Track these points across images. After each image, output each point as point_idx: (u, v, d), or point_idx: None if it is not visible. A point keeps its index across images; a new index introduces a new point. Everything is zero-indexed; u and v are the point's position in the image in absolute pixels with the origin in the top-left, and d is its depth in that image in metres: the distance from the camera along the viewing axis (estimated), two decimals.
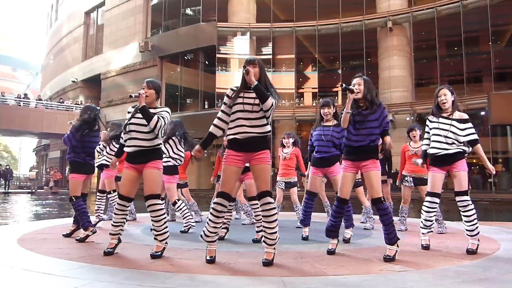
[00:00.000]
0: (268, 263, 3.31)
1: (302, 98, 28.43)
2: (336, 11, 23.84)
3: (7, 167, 27.22)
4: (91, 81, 30.81)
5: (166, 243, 3.74)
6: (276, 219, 3.38)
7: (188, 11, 28.20)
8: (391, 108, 21.46)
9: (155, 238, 3.72)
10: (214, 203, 3.41)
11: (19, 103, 25.51)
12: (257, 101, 3.32)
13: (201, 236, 3.45)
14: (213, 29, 24.28)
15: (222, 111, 3.49)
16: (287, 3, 25.03)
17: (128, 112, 3.87)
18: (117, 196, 4.20)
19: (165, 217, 3.77)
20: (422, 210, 4.26)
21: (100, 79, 28.98)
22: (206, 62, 26.93)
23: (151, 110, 3.74)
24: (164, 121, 3.72)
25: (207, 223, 3.42)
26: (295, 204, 6.27)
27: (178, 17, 26.86)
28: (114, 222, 3.83)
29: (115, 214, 3.83)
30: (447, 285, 2.79)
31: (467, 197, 4.01)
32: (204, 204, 10.72)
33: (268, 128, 3.41)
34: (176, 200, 5.54)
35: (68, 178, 5.33)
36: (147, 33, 27.24)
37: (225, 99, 3.49)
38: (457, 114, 4.07)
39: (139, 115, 3.74)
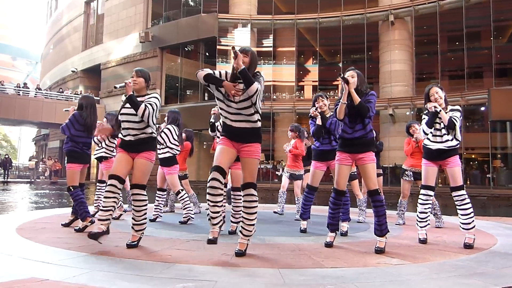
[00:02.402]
0: (241, 254, 3.32)
1: (302, 91, 28.39)
2: (338, 4, 23.72)
3: (6, 156, 27.20)
4: (91, 71, 30.72)
5: (143, 233, 3.74)
6: (256, 212, 3.38)
7: (189, 1, 28.06)
8: (391, 102, 21.47)
9: (132, 227, 3.69)
10: (209, 180, 3.29)
11: (19, 92, 25.42)
12: (244, 91, 3.29)
13: (209, 219, 3.36)
14: (214, 20, 24.16)
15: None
16: None
17: (122, 101, 3.85)
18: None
19: (146, 209, 3.74)
20: (417, 203, 4.31)
21: (100, 69, 28.91)
22: (207, 54, 26.84)
23: (141, 98, 3.75)
24: (152, 107, 3.68)
25: (208, 203, 3.34)
26: (297, 197, 6.29)
27: (179, 7, 26.72)
28: (103, 206, 3.62)
29: (104, 197, 3.62)
30: (443, 279, 2.81)
31: (463, 191, 4.05)
32: (203, 195, 10.73)
33: (257, 117, 3.37)
34: (180, 190, 5.56)
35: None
36: (148, 24, 27.11)
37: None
38: (449, 108, 4.15)
39: (129, 105, 3.73)
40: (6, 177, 25.45)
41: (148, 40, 25.32)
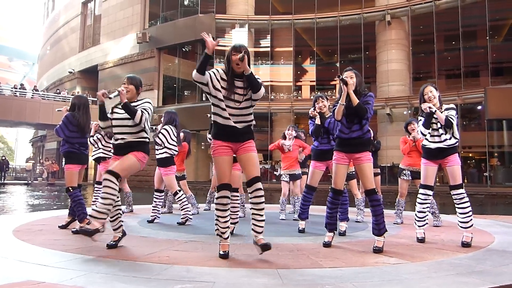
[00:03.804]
0: (267, 247, 3.19)
1: (300, 91, 28.42)
2: (335, 4, 23.76)
3: (3, 158, 27.10)
4: (88, 72, 30.62)
5: (123, 232, 3.72)
6: (264, 207, 3.34)
7: (186, 2, 28.02)
8: (388, 101, 21.51)
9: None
10: (218, 198, 3.33)
11: (15, 93, 25.33)
12: (245, 91, 3.29)
13: (217, 234, 3.39)
14: (211, 20, 24.14)
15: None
16: None
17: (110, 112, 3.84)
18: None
19: (112, 200, 3.52)
20: (416, 202, 4.32)
21: (97, 70, 28.82)
22: None
23: (134, 104, 3.76)
24: (148, 112, 3.74)
25: (217, 219, 3.35)
26: (296, 196, 6.27)
27: (176, 8, 26.69)
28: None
29: (103, 193, 3.54)
30: (442, 277, 2.81)
31: (462, 190, 4.07)
32: (202, 196, 10.73)
33: (253, 117, 3.41)
34: (177, 191, 5.54)
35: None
36: (145, 24, 27.06)
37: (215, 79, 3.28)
38: (444, 107, 4.17)
39: (121, 111, 3.73)
40: (3, 179, 25.36)
41: (146, 40, 25.26)
